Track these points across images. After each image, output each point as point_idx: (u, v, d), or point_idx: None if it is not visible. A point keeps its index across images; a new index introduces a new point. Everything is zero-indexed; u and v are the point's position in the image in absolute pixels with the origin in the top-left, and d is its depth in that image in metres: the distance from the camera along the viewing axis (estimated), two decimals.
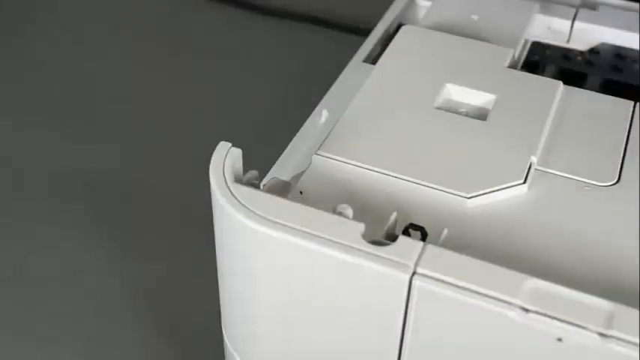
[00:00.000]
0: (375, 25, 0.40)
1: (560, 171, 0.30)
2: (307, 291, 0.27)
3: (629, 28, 0.39)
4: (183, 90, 0.57)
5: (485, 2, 0.41)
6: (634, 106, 0.34)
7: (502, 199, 0.29)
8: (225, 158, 0.28)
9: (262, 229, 0.26)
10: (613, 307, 0.23)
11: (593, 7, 0.41)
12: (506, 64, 0.36)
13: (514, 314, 0.23)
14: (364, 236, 0.25)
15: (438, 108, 0.33)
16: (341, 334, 0.27)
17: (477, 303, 0.24)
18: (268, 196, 0.27)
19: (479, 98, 0.33)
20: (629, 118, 0.33)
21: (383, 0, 0.43)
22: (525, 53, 0.39)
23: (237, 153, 0.28)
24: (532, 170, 0.30)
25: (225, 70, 0.57)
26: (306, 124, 0.34)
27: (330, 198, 0.28)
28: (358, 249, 0.25)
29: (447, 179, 0.29)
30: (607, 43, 0.40)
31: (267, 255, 0.26)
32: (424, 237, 0.27)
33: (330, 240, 0.25)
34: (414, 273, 0.24)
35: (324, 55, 0.48)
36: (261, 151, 0.32)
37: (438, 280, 0.24)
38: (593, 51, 0.40)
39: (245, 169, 0.29)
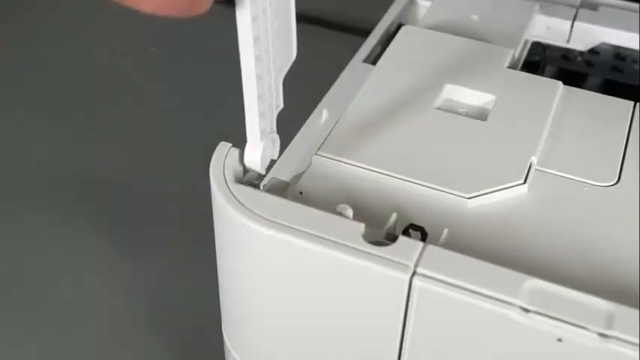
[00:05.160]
0: (375, 25, 0.40)
1: (560, 171, 0.30)
2: (307, 291, 0.27)
3: (629, 28, 0.39)
4: (184, 90, 0.57)
5: (485, 2, 0.41)
6: (634, 106, 0.34)
7: (502, 199, 0.29)
8: (226, 158, 0.28)
9: (262, 229, 0.26)
10: (613, 307, 0.23)
11: (593, 7, 0.41)
12: (506, 64, 0.36)
13: (514, 314, 0.23)
14: (364, 236, 0.25)
15: (438, 108, 0.33)
16: (341, 334, 0.27)
17: (477, 303, 0.24)
18: (268, 196, 0.27)
19: (479, 98, 0.33)
20: (629, 118, 0.33)
21: (383, 0, 0.43)
22: (525, 53, 0.39)
23: (237, 153, 0.28)
24: (532, 170, 0.30)
25: (225, 70, 0.57)
26: (306, 124, 0.34)
27: (330, 198, 0.28)
28: (358, 249, 0.25)
29: (447, 179, 0.29)
30: (607, 43, 0.40)
31: (267, 255, 0.26)
32: (424, 237, 0.27)
33: (330, 240, 0.25)
34: (414, 273, 0.24)
35: (324, 55, 0.48)
36: None
37: (438, 280, 0.24)
38: (593, 51, 0.40)
39: (245, 169, 0.29)
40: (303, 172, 0.30)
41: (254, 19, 0.24)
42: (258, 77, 0.25)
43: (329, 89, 0.35)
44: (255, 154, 0.28)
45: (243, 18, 0.24)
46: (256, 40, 0.25)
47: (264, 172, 0.28)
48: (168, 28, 0.62)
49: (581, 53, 0.40)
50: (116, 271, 0.44)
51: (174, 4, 0.21)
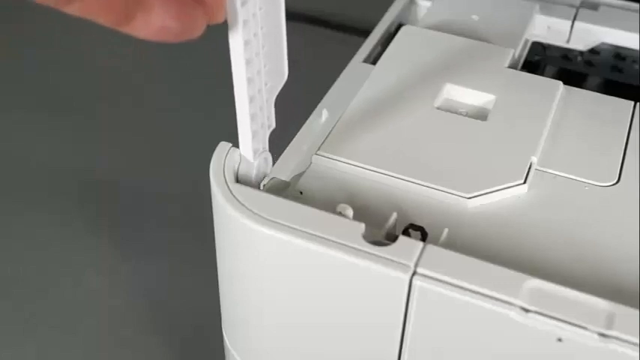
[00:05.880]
0: (375, 25, 0.40)
1: (560, 171, 0.30)
2: (307, 291, 0.27)
3: (629, 28, 0.39)
4: (184, 90, 0.57)
5: (485, 2, 0.41)
6: (634, 106, 0.34)
7: (502, 199, 0.29)
8: (225, 158, 0.28)
9: (262, 229, 0.26)
10: (613, 307, 0.23)
11: (593, 7, 0.41)
12: (506, 64, 0.36)
13: (514, 314, 0.23)
14: (364, 236, 0.25)
15: (438, 108, 0.33)
16: (341, 333, 0.27)
17: (478, 303, 0.24)
18: (268, 196, 0.27)
19: (479, 98, 0.33)
20: (629, 118, 0.33)
21: (383, 0, 0.43)
22: (525, 53, 0.39)
23: (237, 153, 0.28)
24: (532, 170, 0.30)
25: (225, 70, 0.57)
26: (306, 124, 0.34)
27: (330, 198, 0.28)
28: (358, 249, 0.25)
29: (447, 179, 0.29)
30: (607, 43, 0.40)
31: (267, 255, 0.26)
32: (424, 237, 0.27)
33: (330, 240, 0.25)
34: (414, 273, 0.24)
35: (324, 55, 0.49)
36: None
37: (438, 280, 0.24)
38: (593, 51, 0.40)
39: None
40: (303, 172, 0.30)
41: (246, 43, 0.25)
42: (251, 98, 0.26)
43: (329, 89, 0.35)
44: (249, 173, 0.28)
45: (236, 42, 0.25)
46: (248, 62, 0.25)
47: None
48: None
49: (581, 53, 0.40)
50: (116, 270, 0.44)
51: (168, 31, 0.22)
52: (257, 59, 0.26)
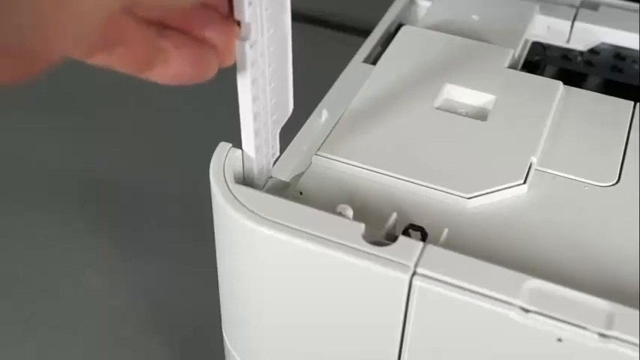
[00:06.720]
0: (375, 25, 0.40)
1: (560, 171, 0.30)
2: (307, 291, 0.27)
3: (629, 28, 0.39)
4: (184, 90, 0.57)
5: (485, 2, 0.41)
6: (634, 106, 0.34)
7: (502, 199, 0.29)
8: (226, 159, 0.28)
9: (262, 229, 0.26)
10: (613, 307, 0.23)
11: (593, 7, 0.41)
12: (506, 64, 0.36)
13: (514, 314, 0.23)
14: (364, 237, 0.25)
15: (438, 108, 0.33)
16: (341, 333, 0.27)
17: (477, 303, 0.24)
18: (268, 196, 0.27)
19: (479, 98, 0.33)
20: (629, 118, 0.33)
21: (383, 0, 0.43)
22: (525, 53, 0.39)
23: (237, 153, 0.28)
24: (532, 170, 0.30)
25: (225, 70, 0.57)
26: (306, 124, 0.34)
27: (330, 198, 0.28)
28: (358, 249, 0.25)
29: (446, 179, 0.29)
30: (607, 43, 0.40)
31: (268, 255, 0.26)
32: (424, 237, 0.27)
33: (331, 240, 0.25)
34: (414, 273, 0.24)
35: (324, 55, 0.49)
36: None
37: (438, 280, 0.24)
38: (593, 51, 0.40)
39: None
40: (303, 172, 0.30)
41: (253, 81, 0.25)
42: (256, 132, 0.27)
43: (329, 89, 0.35)
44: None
45: (244, 80, 0.25)
46: (255, 99, 0.26)
47: None
48: None
49: (581, 53, 0.40)
50: (116, 270, 0.44)
51: (185, 76, 0.23)
52: (263, 95, 0.26)
